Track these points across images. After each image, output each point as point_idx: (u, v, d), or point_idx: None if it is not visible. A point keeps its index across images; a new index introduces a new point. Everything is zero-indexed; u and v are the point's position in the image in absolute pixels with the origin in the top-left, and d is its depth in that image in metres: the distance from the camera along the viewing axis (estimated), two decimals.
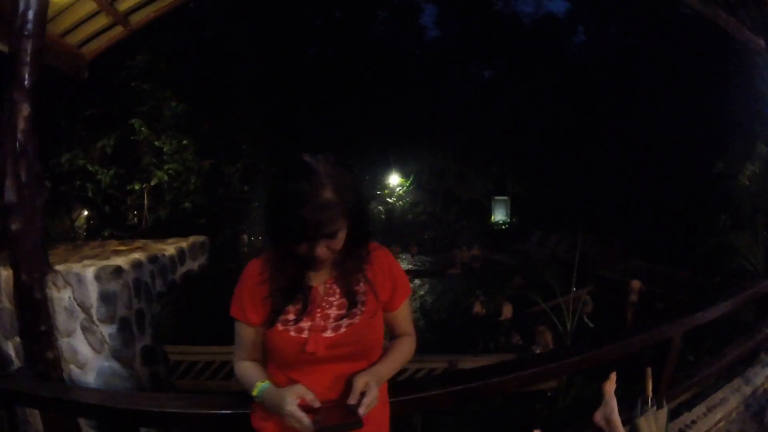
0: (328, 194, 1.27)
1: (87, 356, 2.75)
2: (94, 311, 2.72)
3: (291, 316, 1.44)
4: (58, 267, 2.78)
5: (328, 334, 1.42)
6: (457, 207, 20.27)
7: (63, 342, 2.77)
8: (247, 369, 1.53)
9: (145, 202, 7.45)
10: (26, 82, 2.72)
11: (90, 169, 6.76)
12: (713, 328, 5.60)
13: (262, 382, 1.45)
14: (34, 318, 2.70)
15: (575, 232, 11.43)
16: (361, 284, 1.48)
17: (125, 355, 2.78)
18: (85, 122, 6.90)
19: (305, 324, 1.43)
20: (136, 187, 7.27)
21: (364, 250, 1.49)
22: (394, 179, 21.16)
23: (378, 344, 1.51)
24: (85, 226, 8.80)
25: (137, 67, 7.09)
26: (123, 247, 3.70)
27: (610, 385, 2.55)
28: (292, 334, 1.42)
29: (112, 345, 2.74)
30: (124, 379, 2.78)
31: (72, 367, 2.78)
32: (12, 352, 2.83)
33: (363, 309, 1.46)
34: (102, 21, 4.55)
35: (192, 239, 4.24)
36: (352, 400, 1.34)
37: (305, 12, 17.75)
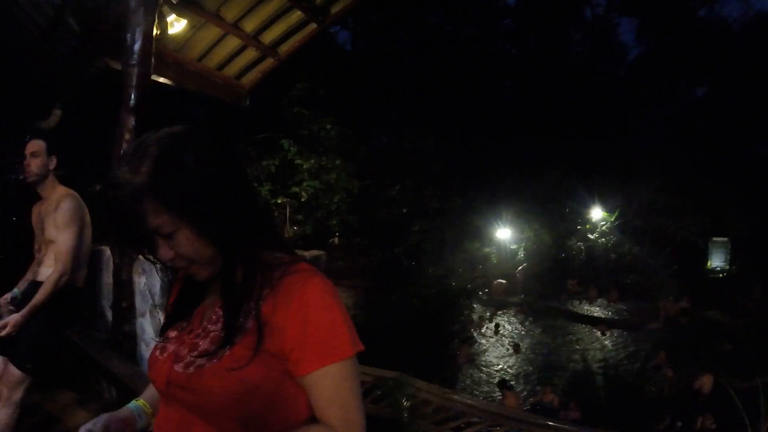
0: (137, 175, 0.96)
1: (150, 336, 3.15)
2: (157, 298, 3.11)
3: (172, 333, 1.15)
4: (141, 256, 3.27)
5: (178, 367, 1.05)
6: (668, 249, 17.76)
7: (138, 321, 3.21)
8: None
9: (287, 215, 8.14)
10: (131, 102, 3.32)
11: None
12: None
13: (137, 400, 1.25)
14: (119, 295, 3.24)
15: None
16: (250, 319, 1.03)
17: None
18: (256, 144, 7.92)
19: (172, 347, 1.11)
20: (279, 201, 8.02)
21: (265, 269, 1.07)
22: (597, 213, 19.53)
23: (238, 413, 1.01)
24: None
25: (297, 94, 7.94)
26: None
27: None
28: (157, 353, 1.13)
29: None
30: None
31: (142, 344, 3.20)
32: (111, 320, 3.38)
33: (224, 353, 1.01)
34: (251, 54, 5.24)
35: (311, 253, 4.59)
36: None
37: (499, 41, 17.83)
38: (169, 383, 1.06)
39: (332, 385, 1.02)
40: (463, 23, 17.98)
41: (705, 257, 18.27)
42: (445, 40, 15.76)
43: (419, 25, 16.98)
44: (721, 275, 17.59)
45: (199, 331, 1.09)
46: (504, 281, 15.76)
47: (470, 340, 11.58)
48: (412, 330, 9.86)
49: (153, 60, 3.44)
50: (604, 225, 19.04)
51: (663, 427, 7.94)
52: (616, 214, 18.68)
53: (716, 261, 18.09)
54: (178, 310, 1.17)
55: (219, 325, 1.06)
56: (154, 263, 1.10)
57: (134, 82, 3.30)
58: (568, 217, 19.37)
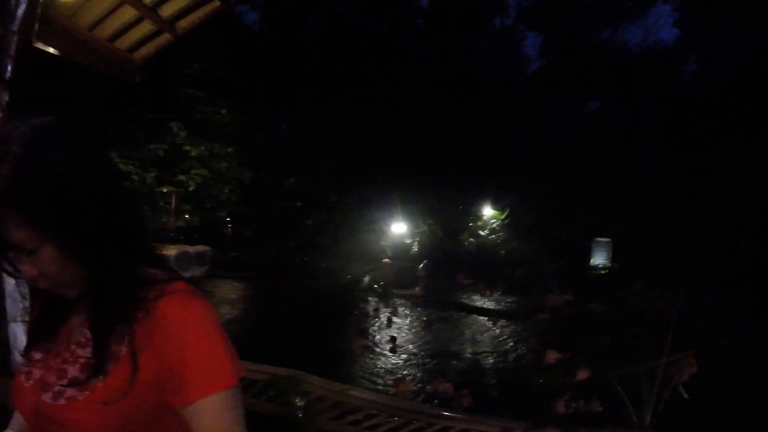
0: None
1: (23, 344, 2.78)
2: (28, 302, 2.76)
3: (37, 355, 1.04)
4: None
5: (47, 398, 0.96)
6: (555, 246, 19.15)
7: (10, 326, 2.85)
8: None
9: (173, 205, 7.65)
10: (7, 74, 2.87)
11: (124, 169, 7.04)
12: None
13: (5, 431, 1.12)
14: None
15: (682, 284, 10.22)
16: (123, 345, 0.94)
17: None
18: (146, 125, 7.30)
19: (37, 372, 1.01)
20: (164, 190, 7.50)
21: (139, 288, 0.97)
22: (489, 212, 20.50)
23: None
24: None
25: (192, 74, 7.41)
26: None
27: None
28: (22, 378, 1.03)
29: None
30: None
31: (15, 352, 2.85)
32: None
33: (97, 384, 0.92)
34: (147, 27, 4.79)
35: (197, 248, 4.28)
36: None
37: (408, 40, 18.13)
38: (37, 415, 0.97)
39: (214, 417, 0.94)
40: (375, 18, 18.02)
41: (588, 255, 19.84)
42: (354, 33, 15.65)
43: (330, 14, 16.75)
44: (603, 272, 19.20)
45: (67, 355, 1.00)
46: (390, 260, 15.92)
47: (365, 333, 11.66)
48: (308, 323, 9.80)
49: (37, 26, 3.01)
50: (494, 223, 20.03)
51: (554, 411, 8.46)
52: (506, 212, 19.74)
53: (598, 259, 19.70)
54: (42, 327, 1.06)
55: (88, 349, 0.96)
56: (15, 278, 0.99)
57: (13, 51, 2.87)
58: (461, 213, 20.10)
